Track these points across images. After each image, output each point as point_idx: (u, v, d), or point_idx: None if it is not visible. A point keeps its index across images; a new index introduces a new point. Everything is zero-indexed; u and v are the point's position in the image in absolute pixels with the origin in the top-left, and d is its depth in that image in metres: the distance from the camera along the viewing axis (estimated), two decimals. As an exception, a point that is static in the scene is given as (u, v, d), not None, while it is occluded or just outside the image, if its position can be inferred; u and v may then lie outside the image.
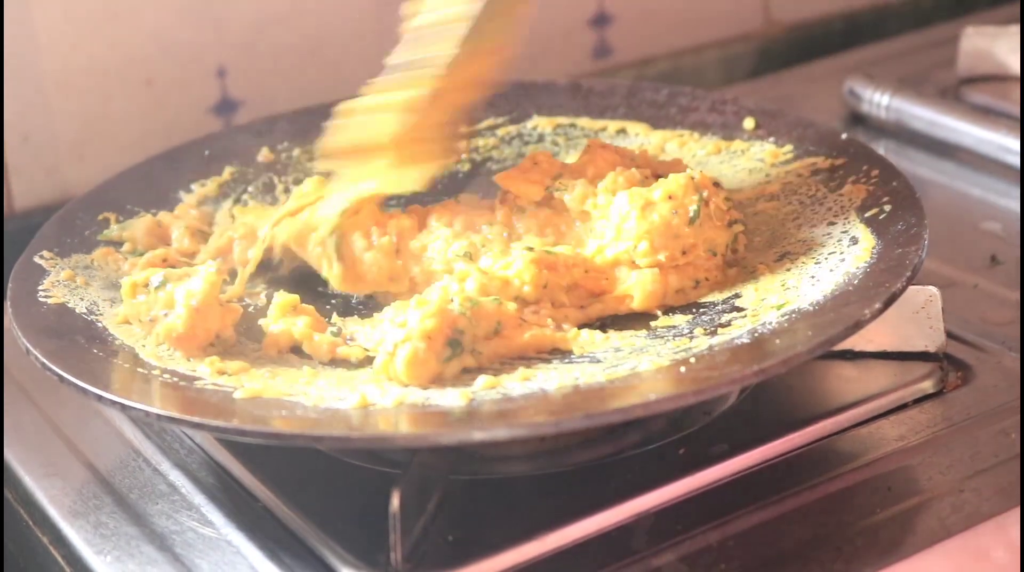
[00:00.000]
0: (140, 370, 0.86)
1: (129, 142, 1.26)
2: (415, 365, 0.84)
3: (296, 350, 0.91)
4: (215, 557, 0.84)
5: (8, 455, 0.96)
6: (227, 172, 1.10)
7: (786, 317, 0.86)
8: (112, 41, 1.24)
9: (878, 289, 0.86)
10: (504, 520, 0.84)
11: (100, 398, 0.82)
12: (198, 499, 0.89)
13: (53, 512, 0.90)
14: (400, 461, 0.87)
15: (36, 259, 0.97)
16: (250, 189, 1.09)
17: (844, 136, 1.06)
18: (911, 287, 0.89)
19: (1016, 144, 1.22)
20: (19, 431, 0.97)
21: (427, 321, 0.85)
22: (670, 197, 0.93)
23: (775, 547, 0.82)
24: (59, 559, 0.88)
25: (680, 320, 0.91)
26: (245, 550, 0.84)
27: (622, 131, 1.15)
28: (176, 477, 0.91)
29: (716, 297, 0.92)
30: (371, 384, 0.85)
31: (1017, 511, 0.84)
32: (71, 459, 0.94)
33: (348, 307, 0.97)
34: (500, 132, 1.16)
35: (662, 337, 0.89)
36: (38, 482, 0.92)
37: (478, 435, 0.78)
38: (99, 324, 0.91)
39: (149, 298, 0.90)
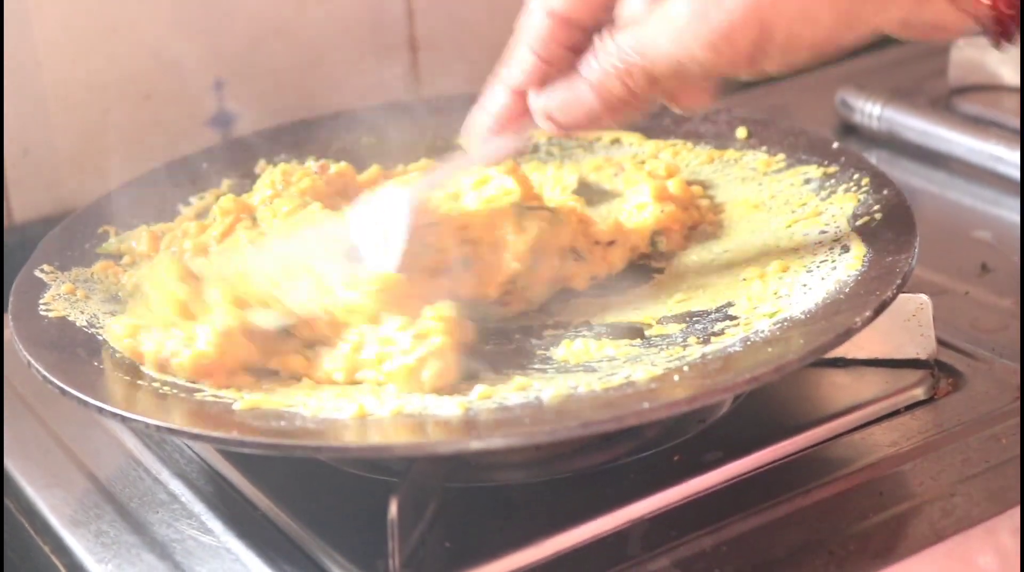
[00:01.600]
0: (140, 382, 0.87)
1: (128, 155, 1.26)
2: (443, 377, 0.85)
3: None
4: (215, 565, 0.85)
5: (10, 465, 0.96)
6: (225, 184, 1.11)
7: (778, 325, 0.87)
8: (111, 55, 1.25)
9: (869, 297, 0.87)
10: (501, 527, 0.85)
11: (100, 410, 0.83)
12: (198, 508, 0.90)
13: (54, 521, 0.91)
14: (398, 469, 0.87)
15: (36, 273, 0.98)
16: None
17: (835, 145, 1.07)
18: (902, 295, 0.90)
19: (1007, 154, 1.23)
20: (20, 442, 0.98)
21: (447, 336, 0.86)
22: None
23: (768, 552, 0.83)
24: (60, 568, 0.88)
25: (674, 329, 0.91)
26: (245, 558, 0.85)
27: (616, 141, 1.16)
28: (176, 486, 0.92)
29: (709, 306, 0.93)
30: (368, 395, 0.85)
31: (1007, 516, 0.85)
32: (72, 469, 0.95)
33: None
34: (495, 143, 1.16)
35: (656, 346, 0.90)
36: (39, 492, 0.93)
37: (475, 444, 0.79)
38: (100, 337, 0.92)
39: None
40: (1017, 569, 0.84)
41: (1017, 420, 0.92)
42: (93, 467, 0.95)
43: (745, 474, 0.89)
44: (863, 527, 0.84)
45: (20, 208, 1.24)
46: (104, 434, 0.98)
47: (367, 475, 0.89)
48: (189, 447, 0.95)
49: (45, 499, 0.93)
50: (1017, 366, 0.97)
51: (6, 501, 0.95)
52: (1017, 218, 1.18)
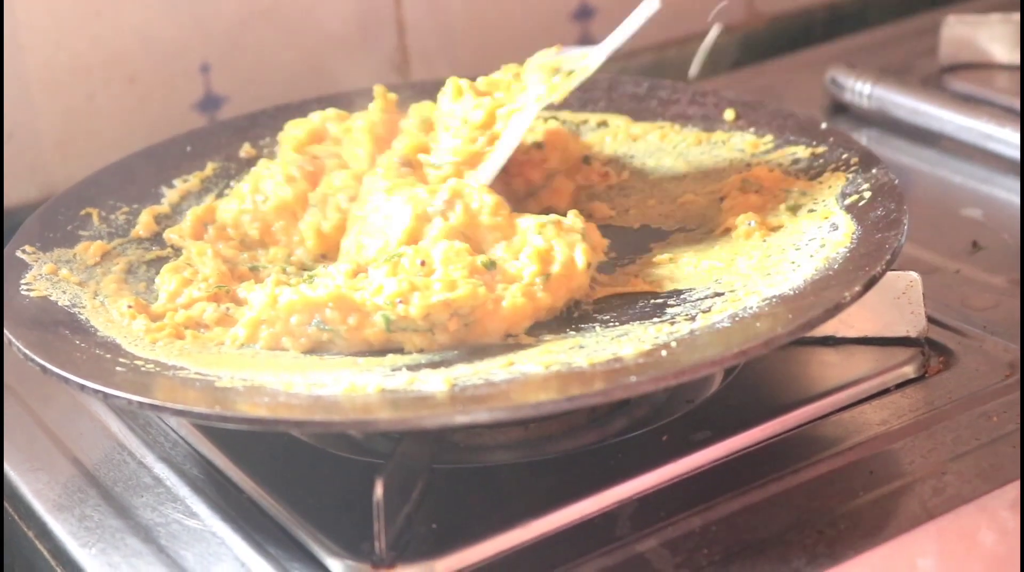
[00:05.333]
0: (123, 360, 0.86)
1: (113, 139, 1.26)
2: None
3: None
4: (200, 548, 0.84)
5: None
6: (209, 167, 1.10)
7: (767, 302, 0.87)
8: (95, 38, 1.24)
9: (858, 273, 0.86)
10: (488, 508, 0.84)
11: (82, 387, 0.82)
12: (183, 491, 0.89)
13: (38, 506, 0.90)
14: (383, 451, 0.87)
15: (19, 253, 0.97)
16: (232, 184, 1.09)
17: (824, 126, 1.07)
18: (892, 273, 0.90)
19: (999, 131, 1.23)
20: (3, 426, 0.97)
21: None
22: None
23: (758, 532, 0.82)
24: (44, 553, 0.88)
25: (662, 306, 0.91)
26: (230, 541, 0.85)
27: (603, 124, 1.15)
28: (161, 470, 0.91)
29: (697, 283, 0.92)
30: (352, 371, 0.85)
31: (998, 494, 0.84)
32: (56, 453, 0.94)
33: None
34: (483, 124, 1.15)
35: (643, 323, 0.89)
36: (23, 476, 0.92)
37: (460, 418, 0.78)
38: (81, 316, 0.92)
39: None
40: (1010, 546, 0.84)
41: (1008, 398, 0.92)
42: (77, 451, 0.94)
43: (734, 454, 0.88)
44: (853, 506, 0.84)
45: (5, 192, 1.23)
46: (88, 418, 0.97)
47: (353, 457, 0.89)
48: (174, 430, 0.94)
49: (29, 483, 0.92)
50: (1008, 343, 0.97)
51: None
52: (1008, 196, 1.18)
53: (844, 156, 1.02)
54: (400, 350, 0.88)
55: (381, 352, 0.88)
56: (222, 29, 1.29)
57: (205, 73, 1.29)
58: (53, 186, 1.24)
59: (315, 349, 0.89)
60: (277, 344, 0.89)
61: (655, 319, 0.89)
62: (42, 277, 0.95)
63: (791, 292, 0.87)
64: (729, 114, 1.12)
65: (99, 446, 0.95)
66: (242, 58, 1.30)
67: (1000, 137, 1.22)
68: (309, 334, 0.89)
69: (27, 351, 0.85)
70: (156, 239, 1.02)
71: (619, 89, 1.17)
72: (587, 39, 1.46)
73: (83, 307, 0.93)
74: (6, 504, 0.92)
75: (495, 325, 0.88)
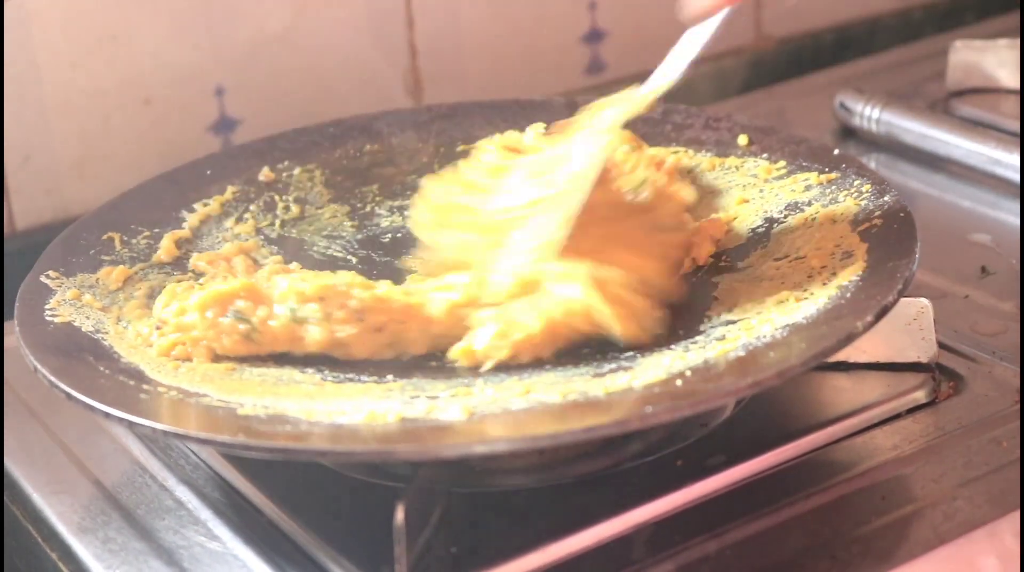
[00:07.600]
0: (146, 387, 0.88)
1: (128, 161, 1.27)
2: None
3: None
4: (222, 571, 0.86)
5: (15, 472, 0.97)
6: (229, 191, 1.11)
7: (780, 330, 0.88)
8: (111, 61, 1.25)
9: (870, 302, 0.87)
10: (506, 532, 0.85)
11: (107, 415, 0.83)
12: (204, 514, 0.90)
13: (61, 528, 0.91)
14: (403, 475, 0.88)
15: (42, 278, 0.98)
16: (251, 208, 1.10)
17: (836, 151, 1.07)
18: (903, 299, 0.91)
19: (1006, 156, 1.24)
20: (26, 448, 0.99)
21: None
22: None
23: (772, 556, 0.83)
24: (68, 575, 0.89)
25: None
26: (252, 564, 0.86)
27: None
28: (182, 492, 0.93)
29: (711, 312, 0.94)
30: (372, 398, 0.86)
31: (1008, 519, 0.85)
32: (78, 476, 0.96)
33: None
34: (498, 149, 1.17)
35: (658, 352, 0.90)
36: (46, 499, 0.93)
37: (479, 448, 0.79)
38: (105, 342, 0.93)
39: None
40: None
41: (1017, 423, 0.93)
42: (99, 473, 0.96)
43: (748, 478, 0.89)
44: (866, 531, 0.85)
45: (21, 214, 1.24)
46: (109, 440, 0.98)
47: (373, 481, 0.90)
48: (195, 453, 0.96)
49: (52, 506, 0.93)
50: (1017, 369, 0.98)
51: (12, 508, 0.95)
52: (1016, 220, 1.19)
53: (856, 183, 1.03)
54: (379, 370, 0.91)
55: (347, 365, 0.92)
56: (237, 53, 1.30)
57: (220, 96, 1.30)
58: (69, 208, 1.25)
59: (250, 351, 0.92)
60: (218, 345, 0.92)
61: (669, 347, 0.90)
62: (66, 302, 0.96)
63: (804, 321, 0.88)
64: (743, 139, 1.13)
65: (120, 468, 0.96)
66: (256, 81, 1.32)
67: (1008, 162, 1.23)
68: (230, 329, 0.92)
69: (52, 378, 0.86)
70: (178, 264, 1.03)
71: (633, 113, 1.18)
72: (597, 62, 1.47)
73: (106, 333, 0.94)
74: (30, 527, 0.93)
75: (416, 329, 0.92)
